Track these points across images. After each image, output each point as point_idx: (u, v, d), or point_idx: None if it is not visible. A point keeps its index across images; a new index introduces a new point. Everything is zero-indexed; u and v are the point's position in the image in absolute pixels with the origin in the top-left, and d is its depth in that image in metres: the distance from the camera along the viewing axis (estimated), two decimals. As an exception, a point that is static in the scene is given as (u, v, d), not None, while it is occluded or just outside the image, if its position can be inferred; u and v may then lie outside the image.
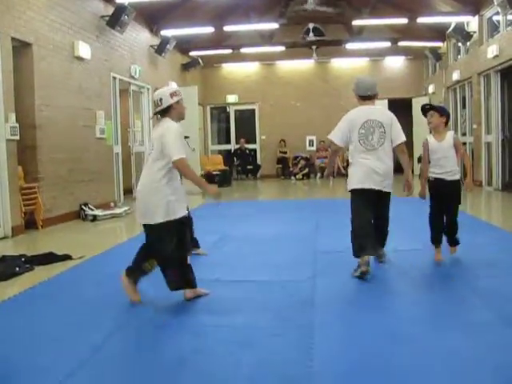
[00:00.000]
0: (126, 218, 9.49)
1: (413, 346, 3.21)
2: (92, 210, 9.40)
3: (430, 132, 5.55)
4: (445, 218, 5.40)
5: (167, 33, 13.63)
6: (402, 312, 3.92)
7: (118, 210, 9.69)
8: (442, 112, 5.38)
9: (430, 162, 5.38)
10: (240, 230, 7.71)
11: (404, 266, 5.21)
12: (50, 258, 5.92)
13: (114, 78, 11.24)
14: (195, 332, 3.57)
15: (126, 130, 12.18)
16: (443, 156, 5.28)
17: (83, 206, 9.36)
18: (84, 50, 9.65)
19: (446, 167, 5.28)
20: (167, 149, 4.01)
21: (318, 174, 17.81)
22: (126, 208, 9.84)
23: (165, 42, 13.53)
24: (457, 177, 5.33)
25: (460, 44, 14.31)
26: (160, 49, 13.49)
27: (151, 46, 13.38)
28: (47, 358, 3.18)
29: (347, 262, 4.96)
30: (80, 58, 9.62)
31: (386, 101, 17.21)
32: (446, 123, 5.37)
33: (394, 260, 5.39)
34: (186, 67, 16.41)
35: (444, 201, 5.35)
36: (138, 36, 12.64)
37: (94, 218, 9.15)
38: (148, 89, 13.23)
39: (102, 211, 9.42)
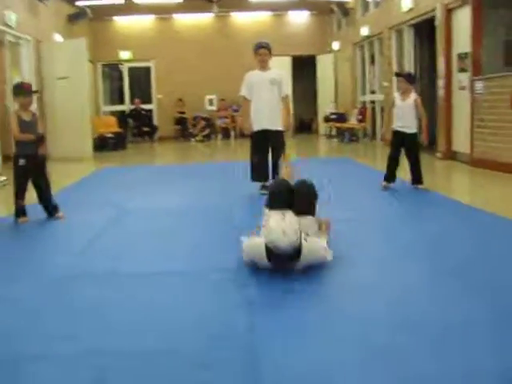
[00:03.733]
0: (1, 189, 8.06)
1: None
2: (-40, 181, 7.92)
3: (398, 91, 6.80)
4: (408, 163, 6.65)
5: (48, -24, 11.96)
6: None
7: (-8, 181, 8.24)
8: (409, 79, 6.70)
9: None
10: (140, 202, 6.54)
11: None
12: None
13: (-16, 25, 9.60)
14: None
15: (2, 86, 10.58)
16: (404, 112, 6.53)
17: None
18: None
19: (406, 122, 6.52)
20: None
21: (220, 135, 16.84)
22: (4, 178, 8.41)
23: (45, -14, 11.88)
24: (414, 130, 6.59)
25: (369, -2, 13.63)
26: (40, -6, 11.83)
27: (29, -9, 11.69)
28: None
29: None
30: None
31: (290, 58, 16.52)
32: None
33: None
34: (72, 18, 14.70)
35: (404, 148, 6.63)
36: (12, -23, 10.92)
37: (-38, 192, 7.68)
38: (28, 40, 11.58)
39: (-29, 183, 7.95)
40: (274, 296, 3.21)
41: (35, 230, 5.29)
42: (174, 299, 3.24)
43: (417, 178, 6.63)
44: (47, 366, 2.43)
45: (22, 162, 5.45)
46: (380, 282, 3.42)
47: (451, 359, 2.34)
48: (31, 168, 5.48)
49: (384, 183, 6.74)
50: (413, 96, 6.58)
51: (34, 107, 5.81)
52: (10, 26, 10.50)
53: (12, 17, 10.48)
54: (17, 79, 11.33)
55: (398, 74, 7.16)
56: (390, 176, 6.74)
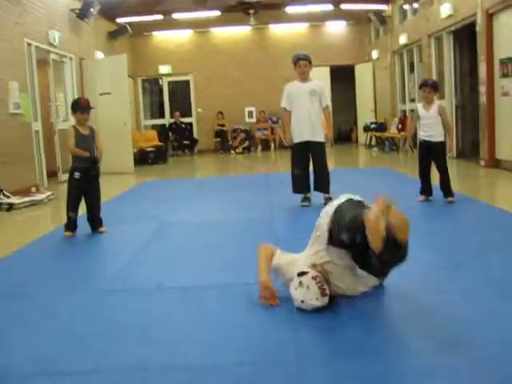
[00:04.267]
0: (48, 205, 8.23)
1: None
2: (8, 197, 8.09)
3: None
4: (439, 174, 6.45)
5: (89, -5, 12.19)
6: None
7: (38, 197, 8.39)
8: (436, 88, 6.52)
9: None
10: (182, 216, 6.62)
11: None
12: None
13: (29, 44, 9.81)
14: None
15: (46, 104, 10.82)
16: (429, 122, 6.38)
17: (-3, 193, 8.06)
18: (-12, 9, 8.23)
19: (432, 131, 6.37)
20: None
21: (259, 147, 16.88)
22: (49, 193, 8.59)
23: (87, 5, 12.07)
24: (441, 139, 6.41)
25: (407, 6, 13.50)
26: (82, 13, 12.04)
27: (72, 10, 11.92)
28: None
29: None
30: (-17, 20, 8.20)
31: (328, 68, 16.50)
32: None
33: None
34: (113, 35, 14.94)
35: (432, 158, 6.42)
36: (56, -3, 11.18)
37: (10, 207, 7.83)
38: (71, 58, 11.84)
39: (19, 198, 8.12)
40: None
41: (81, 243, 5.40)
42: (218, 313, 3.25)
43: (447, 190, 6.39)
44: (96, 381, 2.46)
45: (77, 175, 5.57)
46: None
47: None
48: (85, 182, 5.60)
49: (421, 197, 6.53)
50: (436, 103, 6.42)
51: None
52: (53, 45, 10.75)
53: (56, 36, 10.73)
54: (60, 97, 11.63)
55: (423, 84, 6.54)
56: (426, 189, 6.53)
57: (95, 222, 5.74)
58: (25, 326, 3.17)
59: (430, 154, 6.41)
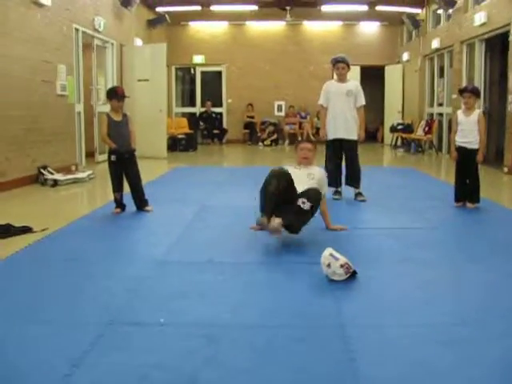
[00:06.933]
0: (89, 183, 8.70)
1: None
2: (52, 173, 8.58)
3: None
4: (468, 180, 6.50)
5: (134, -16, 12.63)
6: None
7: (81, 175, 8.88)
8: (478, 94, 6.56)
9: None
10: (218, 200, 7.07)
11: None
12: (6, 231, 5.08)
13: (77, 29, 10.28)
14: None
15: (88, 87, 11.30)
16: (468, 128, 6.41)
17: (42, 170, 8.53)
18: (43, -6, 8.67)
19: (470, 137, 6.40)
20: None
21: (287, 141, 17.24)
22: (90, 172, 9.06)
23: (131, -7, 12.55)
24: (476, 146, 6.40)
25: (441, 11, 13.78)
26: (126, 1, 12.49)
27: (116, -2, 12.40)
28: None
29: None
30: (39, 4, 8.61)
31: (359, 68, 16.74)
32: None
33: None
34: (152, 24, 15.39)
35: (465, 164, 6.47)
36: (103, -15, 11.63)
37: (55, 183, 8.31)
38: (113, 44, 12.31)
39: (63, 175, 8.60)
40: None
41: (130, 220, 5.85)
42: (265, 284, 3.73)
43: (474, 196, 6.43)
44: (168, 333, 2.90)
45: (113, 157, 6.02)
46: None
47: None
48: (121, 163, 6.03)
49: (457, 204, 6.54)
50: (477, 111, 6.46)
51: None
52: (98, 31, 11.22)
53: (101, 22, 11.20)
54: (101, 81, 12.10)
55: (464, 90, 6.59)
56: (461, 195, 6.55)
57: (140, 201, 6.17)
58: (95, 286, 3.62)
59: (464, 159, 6.46)
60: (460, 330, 2.93)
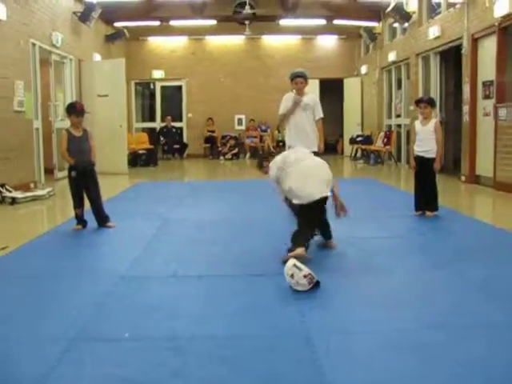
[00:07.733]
0: (49, 200, 8.57)
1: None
2: (10, 191, 8.41)
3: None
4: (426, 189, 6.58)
5: (92, -1, 12.57)
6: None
7: (40, 192, 8.73)
8: (433, 104, 6.76)
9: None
10: (180, 214, 7.07)
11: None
12: (-34, 249, 5.02)
13: (34, 44, 10.16)
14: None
15: (46, 103, 11.16)
16: (425, 137, 6.57)
17: (0, 188, 8.37)
18: (-2, 9, 8.56)
19: (426, 146, 6.55)
20: None
21: (248, 154, 17.31)
22: (50, 189, 8.92)
23: (89, 9, 12.44)
24: (433, 155, 6.54)
25: (396, 25, 14.08)
26: (84, 16, 12.41)
27: (74, 13, 12.29)
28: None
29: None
30: (-6, 19, 8.52)
31: (318, 80, 16.95)
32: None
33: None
34: (110, 39, 15.32)
35: (423, 173, 6.57)
36: (60, 0, 11.52)
37: (14, 201, 8.16)
38: (71, 59, 12.19)
39: (22, 193, 8.44)
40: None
41: (91, 236, 5.78)
42: (230, 296, 3.73)
43: (432, 205, 6.56)
44: (134, 347, 2.87)
45: (73, 173, 5.97)
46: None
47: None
48: (82, 179, 5.98)
49: (417, 213, 6.62)
50: (433, 120, 6.63)
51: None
52: (55, 46, 11.10)
53: (59, 37, 11.10)
54: (60, 96, 11.97)
55: (419, 101, 6.79)
56: (421, 204, 6.63)
57: (100, 217, 6.11)
58: (60, 302, 3.57)
59: (423, 169, 6.58)
60: (425, 334, 2.99)
